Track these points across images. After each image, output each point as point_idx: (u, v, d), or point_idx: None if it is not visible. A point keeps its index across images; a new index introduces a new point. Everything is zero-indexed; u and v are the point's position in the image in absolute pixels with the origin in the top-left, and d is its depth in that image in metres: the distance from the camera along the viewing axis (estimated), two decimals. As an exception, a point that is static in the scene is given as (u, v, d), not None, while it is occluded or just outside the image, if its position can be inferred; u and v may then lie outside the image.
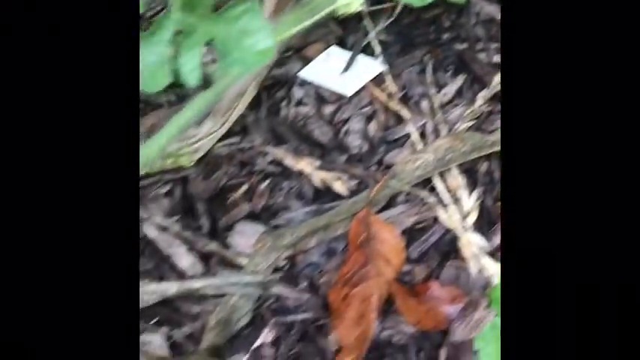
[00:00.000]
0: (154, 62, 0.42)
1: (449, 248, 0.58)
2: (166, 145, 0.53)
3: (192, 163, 0.62)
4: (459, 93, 0.67)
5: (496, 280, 0.56)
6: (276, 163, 0.64)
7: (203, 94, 0.52)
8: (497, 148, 0.62)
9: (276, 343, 0.55)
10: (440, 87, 0.67)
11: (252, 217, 0.61)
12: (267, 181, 0.63)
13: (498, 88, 0.65)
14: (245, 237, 0.60)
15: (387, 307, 0.56)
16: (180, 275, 0.58)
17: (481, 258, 0.57)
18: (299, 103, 0.67)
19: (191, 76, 0.41)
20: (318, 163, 0.63)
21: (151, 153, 0.52)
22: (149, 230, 0.60)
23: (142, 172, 0.58)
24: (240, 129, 0.65)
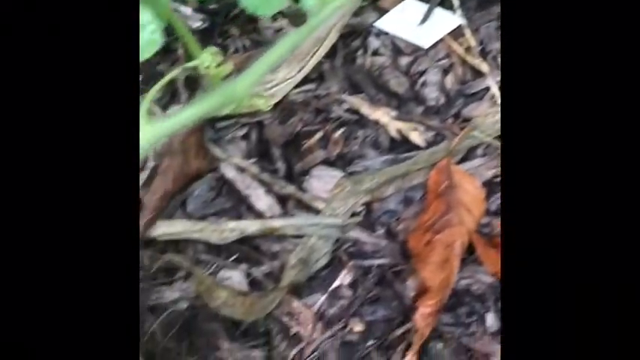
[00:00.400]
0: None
1: None
2: (258, 81, 0.53)
3: (268, 108, 0.62)
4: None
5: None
6: (352, 111, 0.63)
7: (296, 31, 0.52)
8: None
9: (353, 285, 0.56)
10: (516, 44, 0.66)
11: (328, 163, 0.62)
12: (342, 129, 0.63)
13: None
14: (322, 181, 0.60)
15: (466, 257, 0.56)
16: (258, 215, 0.59)
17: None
18: (375, 53, 0.67)
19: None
20: (394, 113, 0.63)
21: (242, 90, 0.52)
22: (227, 170, 0.60)
23: (230, 109, 0.58)
24: (316, 76, 0.65)
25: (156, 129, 0.49)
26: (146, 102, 0.51)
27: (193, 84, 0.65)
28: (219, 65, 0.47)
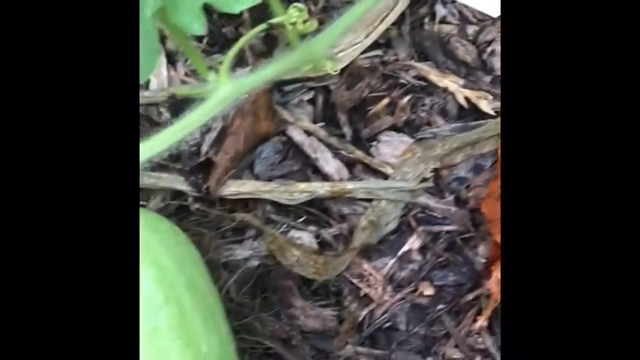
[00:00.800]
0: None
1: None
2: (335, 42, 0.53)
3: (336, 72, 0.62)
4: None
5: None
6: (420, 78, 0.63)
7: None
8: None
9: (423, 250, 0.56)
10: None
11: (395, 129, 0.61)
12: (409, 96, 0.63)
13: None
14: (391, 147, 0.59)
15: None
16: (325, 179, 0.59)
17: None
18: (442, 21, 0.66)
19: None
20: (462, 81, 0.63)
21: (320, 49, 0.52)
22: (294, 133, 0.60)
23: (307, 69, 0.58)
24: (384, 42, 0.65)
25: (237, 86, 0.49)
26: (227, 61, 0.51)
27: (262, 46, 0.65)
28: (305, 22, 0.47)
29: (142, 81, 0.41)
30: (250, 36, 0.49)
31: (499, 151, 0.58)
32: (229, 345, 0.43)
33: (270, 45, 0.62)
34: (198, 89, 0.53)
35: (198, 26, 0.45)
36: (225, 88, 0.49)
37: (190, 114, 0.48)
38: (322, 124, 0.62)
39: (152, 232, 0.41)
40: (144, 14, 0.42)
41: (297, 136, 0.61)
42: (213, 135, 0.60)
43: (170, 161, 0.59)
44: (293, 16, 0.47)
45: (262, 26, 0.48)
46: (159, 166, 0.58)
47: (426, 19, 0.66)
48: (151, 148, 0.47)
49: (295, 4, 0.48)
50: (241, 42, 0.51)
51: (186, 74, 0.65)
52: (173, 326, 0.39)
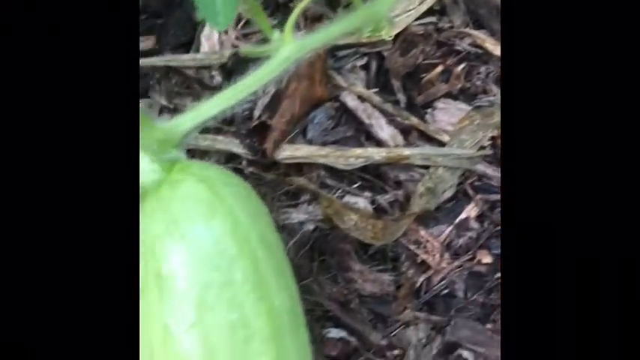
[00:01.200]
0: None
1: None
2: (395, 3, 0.52)
3: (390, 38, 0.61)
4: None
5: None
6: (475, 45, 0.62)
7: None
8: None
9: (480, 218, 0.55)
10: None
11: (450, 97, 0.60)
12: (464, 64, 0.62)
13: None
14: (448, 114, 0.58)
15: None
16: (380, 145, 0.58)
17: None
18: (498, -14, 0.65)
19: None
20: None
21: (382, 10, 0.51)
22: (348, 99, 0.59)
23: (368, 30, 0.57)
24: (438, 9, 0.64)
25: (300, 45, 0.48)
26: (291, 20, 0.50)
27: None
28: None
29: (220, 29, 0.40)
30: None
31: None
32: (298, 302, 0.42)
33: (330, 6, 0.61)
34: (263, 48, 0.52)
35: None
36: (288, 47, 0.49)
37: (254, 73, 0.48)
38: (376, 90, 0.61)
39: (225, 185, 0.40)
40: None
41: (351, 101, 0.60)
42: (266, 99, 0.60)
43: (224, 124, 0.58)
44: None
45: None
46: (214, 130, 0.58)
47: (482, -14, 0.65)
48: (215, 105, 0.47)
49: None
50: (305, 1, 0.50)
51: (236, 38, 0.64)
52: (247, 279, 0.39)
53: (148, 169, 0.39)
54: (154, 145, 0.42)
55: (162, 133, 0.44)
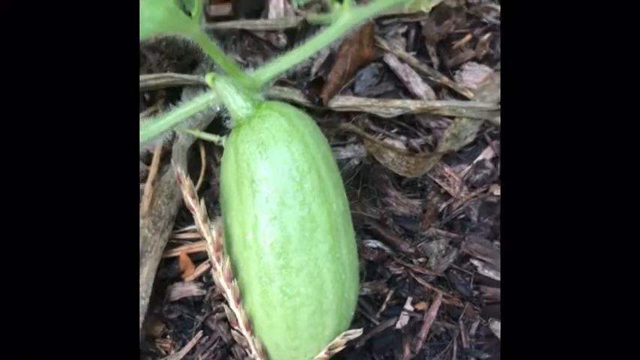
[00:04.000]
0: None
1: None
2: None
3: (428, 10, 0.73)
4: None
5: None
6: (499, 18, 0.73)
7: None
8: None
9: (494, 160, 0.67)
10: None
11: (475, 60, 0.72)
12: (489, 34, 0.73)
13: None
14: (473, 75, 0.70)
15: None
16: (415, 99, 0.70)
17: None
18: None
19: None
20: None
21: None
22: (390, 60, 0.72)
23: (405, 6, 0.68)
24: (470, -14, 0.75)
25: (355, 14, 0.60)
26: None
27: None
28: None
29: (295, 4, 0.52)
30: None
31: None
32: (348, 209, 0.56)
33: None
34: (325, 16, 0.65)
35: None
36: (346, 16, 0.61)
37: (318, 36, 0.60)
38: (413, 53, 0.73)
39: (299, 118, 0.54)
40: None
41: (392, 62, 0.72)
42: (321, 59, 0.72)
43: (288, 79, 0.71)
44: None
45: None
46: (279, 82, 0.71)
47: (508, -33, 0.76)
48: (286, 62, 0.60)
49: None
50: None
51: (298, 7, 0.77)
52: (315, 188, 0.52)
53: (242, 105, 0.53)
54: (242, 88, 0.55)
55: (248, 80, 0.57)
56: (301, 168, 0.51)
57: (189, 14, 0.52)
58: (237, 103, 0.53)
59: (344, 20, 0.60)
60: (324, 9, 0.63)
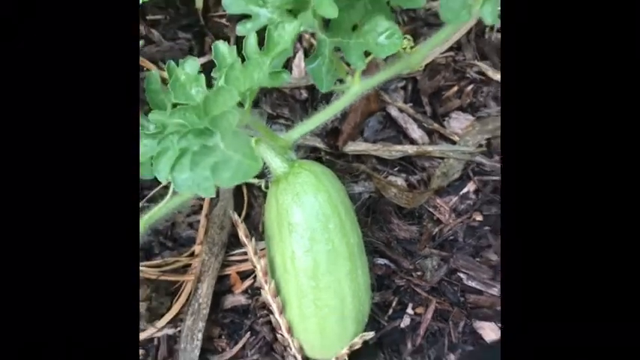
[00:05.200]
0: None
1: None
2: (425, 55, 0.79)
3: (421, 68, 0.89)
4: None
5: None
6: (480, 73, 0.89)
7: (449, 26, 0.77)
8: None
9: (476, 192, 0.84)
10: None
11: (461, 109, 0.88)
12: (472, 86, 0.89)
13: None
14: (458, 122, 0.87)
15: None
16: (412, 142, 0.87)
17: None
18: (499, 31, 0.91)
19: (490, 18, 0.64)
20: None
21: (416, 61, 0.79)
22: (392, 110, 0.88)
23: (403, 71, 0.84)
24: (456, 46, 0.91)
25: (364, 85, 0.76)
26: (359, 69, 0.78)
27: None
28: (412, 47, 0.74)
29: (324, 91, 0.67)
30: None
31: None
32: (361, 240, 0.72)
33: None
34: (340, 87, 0.81)
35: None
36: (357, 86, 0.77)
37: (334, 103, 0.77)
38: (410, 104, 0.89)
39: (323, 174, 0.70)
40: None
41: (394, 112, 0.89)
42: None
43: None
44: (405, 44, 0.74)
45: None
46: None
47: (487, 30, 0.92)
48: (311, 123, 0.76)
49: (406, 36, 0.75)
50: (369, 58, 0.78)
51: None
52: (336, 227, 0.69)
53: (280, 165, 0.70)
54: (278, 149, 0.72)
55: (282, 141, 0.74)
56: (326, 213, 0.68)
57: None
58: (276, 164, 0.69)
59: (354, 90, 0.76)
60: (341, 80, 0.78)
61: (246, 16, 0.67)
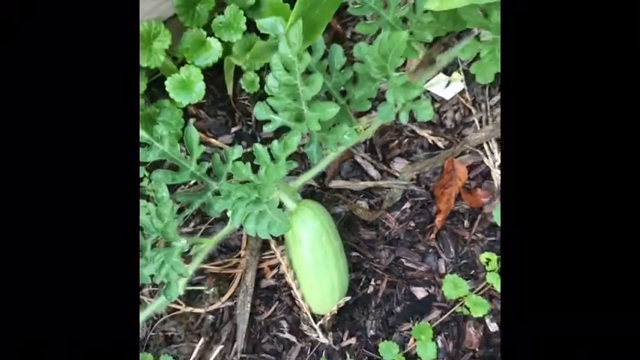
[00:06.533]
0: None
1: (486, 175, 1.34)
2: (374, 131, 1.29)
3: (373, 134, 1.38)
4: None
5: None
6: (412, 131, 1.39)
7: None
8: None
9: (411, 208, 1.34)
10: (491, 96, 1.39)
11: (400, 156, 1.38)
12: (407, 139, 1.39)
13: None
14: (399, 164, 1.37)
15: (456, 198, 1.33)
16: (371, 179, 1.37)
17: (499, 180, 1.33)
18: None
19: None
20: (430, 132, 1.38)
21: (369, 131, 1.28)
22: (357, 158, 1.38)
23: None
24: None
25: (340, 149, 1.26)
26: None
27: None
28: (365, 128, 1.23)
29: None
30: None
31: (445, 165, 1.35)
32: (341, 243, 1.23)
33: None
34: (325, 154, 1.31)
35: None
36: (334, 153, 1.27)
37: (322, 161, 1.26)
38: (369, 153, 1.39)
39: (317, 208, 1.20)
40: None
41: (359, 159, 1.38)
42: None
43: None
44: (360, 129, 1.24)
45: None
46: (295, 173, 1.37)
47: (416, 101, 1.41)
48: (307, 175, 1.26)
49: (360, 122, 1.24)
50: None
51: (307, 130, 1.42)
52: (326, 239, 1.19)
53: (292, 205, 1.19)
54: (290, 192, 1.21)
55: (292, 188, 1.24)
56: (319, 231, 1.18)
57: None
58: (290, 204, 1.19)
59: (333, 154, 1.26)
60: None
61: (268, 120, 1.16)
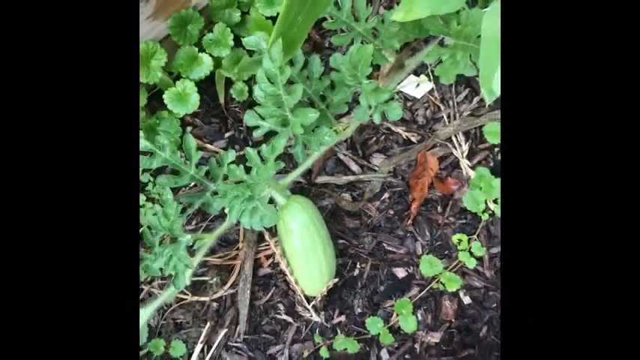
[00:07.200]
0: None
1: (455, 164, 1.49)
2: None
3: (353, 132, 1.53)
4: (466, 97, 1.54)
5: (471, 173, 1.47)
6: (388, 128, 1.53)
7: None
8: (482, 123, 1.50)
9: (390, 197, 1.49)
10: (457, 93, 1.54)
11: (378, 151, 1.53)
12: (384, 136, 1.53)
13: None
14: (378, 159, 1.52)
15: (429, 188, 1.48)
16: (353, 173, 1.51)
17: (467, 169, 1.48)
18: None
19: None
20: (404, 128, 1.53)
21: (349, 131, 1.43)
22: (340, 155, 1.52)
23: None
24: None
25: (323, 148, 1.41)
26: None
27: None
28: (344, 129, 1.38)
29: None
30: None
31: (418, 158, 1.50)
32: (327, 231, 1.37)
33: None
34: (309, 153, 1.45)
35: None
36: (318, 152, 1.42)
37: (308, 159, 1.41)
38: (350, 150, 1.54)
39: (306, 203, 1.34)
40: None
41: (341, 156, 1.53)
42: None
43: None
44: (339, 129, 1.38)
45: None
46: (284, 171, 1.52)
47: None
48: (295, 173, 1.41)
49: (341, 122, 1.39)
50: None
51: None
52: (314, 229, 1.33)
53: (282, 200, 1.34)
54: (280, 189, 1.36)
55: (281, 185, 1.38)
56: (307, 222, 1.33)
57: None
58: (280, 199, 1.34)
59: (317, 153, 1.40)
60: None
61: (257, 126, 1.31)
